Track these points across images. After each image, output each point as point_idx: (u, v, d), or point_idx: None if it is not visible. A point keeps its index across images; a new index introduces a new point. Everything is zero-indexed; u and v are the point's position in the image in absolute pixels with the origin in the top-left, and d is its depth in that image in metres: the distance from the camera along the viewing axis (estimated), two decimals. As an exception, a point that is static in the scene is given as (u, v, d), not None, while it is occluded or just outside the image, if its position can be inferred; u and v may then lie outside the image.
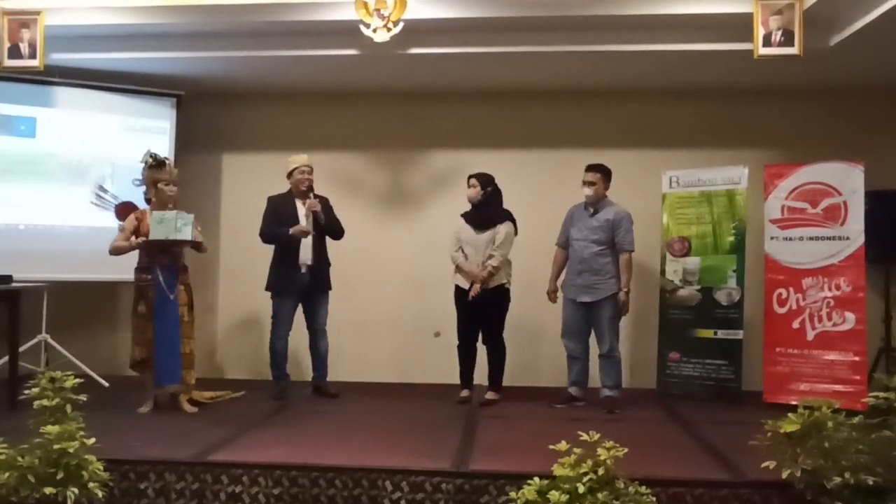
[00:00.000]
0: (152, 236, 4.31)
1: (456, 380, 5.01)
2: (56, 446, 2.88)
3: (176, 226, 4.31)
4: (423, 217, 5.83)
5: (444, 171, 5.82)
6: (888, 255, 5.08)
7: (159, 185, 4.45)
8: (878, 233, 4.82)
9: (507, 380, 5.03)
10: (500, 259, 4.72)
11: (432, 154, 5.90)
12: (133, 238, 4.39)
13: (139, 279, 4.42)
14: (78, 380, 3.21)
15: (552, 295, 4.86)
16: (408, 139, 5.88)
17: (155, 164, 4.47)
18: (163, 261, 4.39)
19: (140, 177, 4.57)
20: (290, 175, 4.93)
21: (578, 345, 4.77)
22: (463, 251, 4.84)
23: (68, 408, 3.05)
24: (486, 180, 4.84)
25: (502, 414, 4.56)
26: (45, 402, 3.03)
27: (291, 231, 4.79)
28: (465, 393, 4.92)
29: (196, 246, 4.52)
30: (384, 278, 5.83)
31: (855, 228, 4.67)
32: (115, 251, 4.41)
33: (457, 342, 4.95)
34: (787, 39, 4.30)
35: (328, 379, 5.10)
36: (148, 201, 4.53)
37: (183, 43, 4.99)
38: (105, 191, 4.65)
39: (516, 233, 4.86)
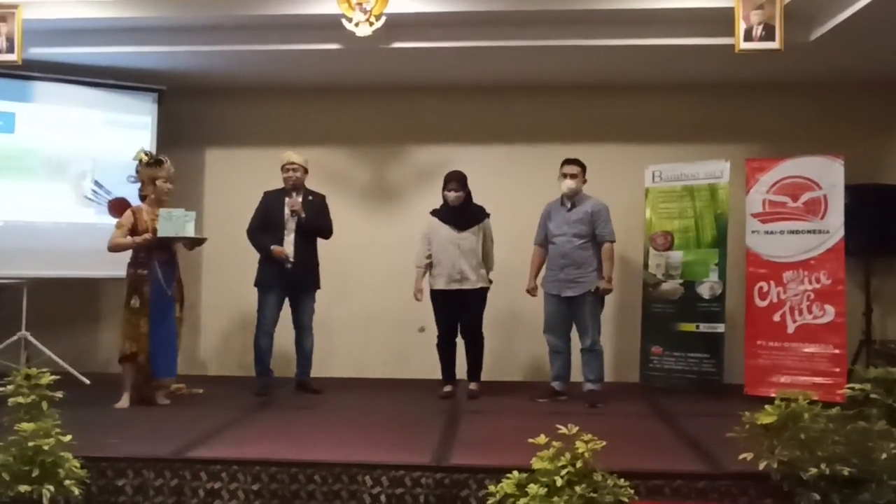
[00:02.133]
0: (161, 234, 4.34)
1: (441, 375, 5.01)
2: (31, 444, 2.86)
3: (183, 223, 4.36)
4: (407, 212, 5.81)
5: (429, 167, 5.80)
6: (868, 248, 5.12)
7: (158, 183, 4.48)
8: (858, 226, 4.86)
9: (491, 374, 5.05)
10: (492, 259, 4.87)
11: (416, 149, 5.89)
12: (130, 235, 4.38)
13: (134, 274, 4.42)
14: (55, 377, 3.19)
15: (533, 291, 4.87)
16: (391, 134, 5.87)
17: (153, 162, 4.52)
18: (161, 257, 4.43)
19: (134, 174, 4.60)
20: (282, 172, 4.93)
21: (561, 340, 4.78)
22: (435, 256, 4.86)
23: (44, 405, 3.03)
24: (464, 181, 4.86)
25: (485, 408, 4.56)
26: (20, 399, 3.00)
27: (273, 250, 4.80)
28: (447, 388, 4.93)
29: (198, 242, 4.55)
30: (370, 274, 5.81)
31: (835, 222, 4.71)
32: (116, 248, 4.41)
33: (436, 340, 4.97)
34: (768, 34, 4.32)
35: (316, 375, 5.09)
36: (143, 198, 4.55)
37: (164, 37, 4.95)
38: (100, 186, 4.66)
39: None
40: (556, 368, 4.81)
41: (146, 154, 4.53)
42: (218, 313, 5.89)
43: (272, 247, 4.80)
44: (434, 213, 4.94)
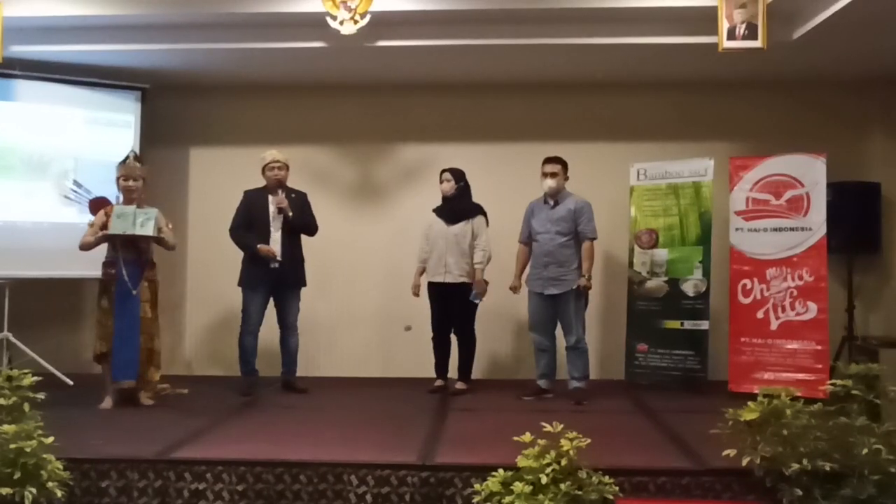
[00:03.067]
0: (111, 231, 4.32)
1: (429, 373, 5.05)
2: (13, 446, 2.82)
3: (135, 221, 4.32)
4: (393, 211, 5.82)
5: (415, 165, 5.81)
6: (850, 245, 5.17)
7: (120, 182, 4.47)
8: (840, 223, 4.90)
9: (478, 372, 5.06)
10: (485, 255, 4.86)
11: (402, 147, 5.88)
12: (99, 233, 4.37)
13: (104, 273, 4.41)
14: (37, 377, 3.16)
15: (517, 289, 4.88)
16: (377, 132, 5.86)
17: (122, 161, 4.50)
18: (127, 255, 4.39)
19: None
20: (263, 171, 4.90)
21: (546, 337, 4.79)
22: (430, 250, 4.92)
23: (26, 406, 3.00)
24: (459, 175, 4.92)
25: (471, 406, 4.57)
26: (1, 400, 2.97)
27: (259, 249, 4.77)
28: (438, 382, 4.99)
29: (159, 242, 4.50)
30: (356, 273, 5.80)
31: (817, 219, 4.75)
32: (83, 246, 4.41)
33: (431, 335, 5.02)
34: (751, 33, 4.34)
35: (302, 374, 5.08)
36: None
37: (147, 35, 4.91)
38: (80, 185, 4.63)
39: (487, 225, 4.96)
40: (542, 366, 4.82)
41: (133, 153, 4.56)
42: (202, 312, 5.85)
43: (259, 246, 4.78)
44: (434, 209, 5.00)
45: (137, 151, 5.21)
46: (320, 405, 4.64)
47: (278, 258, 4.80)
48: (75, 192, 4.64)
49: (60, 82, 5.31)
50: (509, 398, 4.74)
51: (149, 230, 4.34)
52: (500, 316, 5.46)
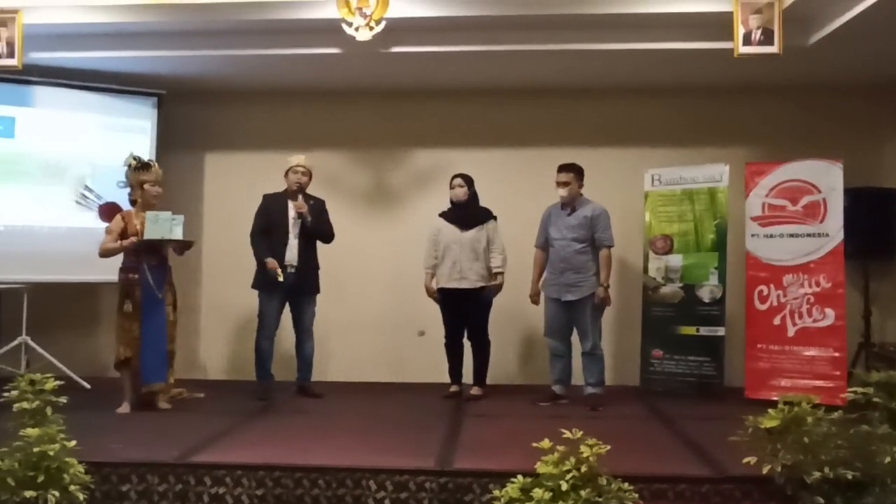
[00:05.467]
0: (148, 236, 4.35)
1: (442, 378, 5.05)
2: (36, 449, 2.84)
3: (170, 225, 4.35)
4: (406, 216, 5.83)
5: (427, 170, 5.82)
6: (867, 251, 5.15)
7: (145, 186, 4.49)
8: (856, 229, 4.87)
9: (492, 378, 5.05)
10: (503, 259, 4.87)
11: (415, 153, 5.90)
12: (120, 240, 4.39)
13: (126, 278, 4.43)
14: (58, 382, 3.18)
15: (535, 298, 4.88)
16: (390, 138, 5.88)
17: (140, 166, 4.53)
18: (151, 260, 4.43)
19: (124, 179, 4.61)
20: (286, 174, 4.93)
21: (562, 343, 4.79)
22: (440, 256, 4.91)
23: (48, 410, 3.02)
24: (470, 180, 4.95)
25: (487, 412, 4.57)
26: (24, 404, 2.99)
27: (267, 263, 4.77)
28: (453, 388, 4.98)
29: (186, 246, 4.55)
30: (368, 278, 5.82)
31: (834, 225, 4.72)
32: (105, 253, 4.42)
33: (443, 340, 5.02)
34: (767, 38, 4.35)
35: (315, 379, 5.09)
36: (133, 203, 4.56)
37: (163, 42, 4.95)
38: (90, 190, 4.66)
39: None
40: (557, 372, 4.82)
41: (135, 158, 4.55)
42: (218, 317, 5.87)
43: (266, 260, 4.79)
44: (441, 214, 5.00)
45: (154, 157, 5.27)
46: (335, 410, 4.65)
47: (280, 278, 4.77)
48: (86, 196, 4.66)
49: (77, 88, 5.36)
50: (524, 404, 4.74)
51: (179, 234, 4.40)
52: (515, 321, 5.46)
